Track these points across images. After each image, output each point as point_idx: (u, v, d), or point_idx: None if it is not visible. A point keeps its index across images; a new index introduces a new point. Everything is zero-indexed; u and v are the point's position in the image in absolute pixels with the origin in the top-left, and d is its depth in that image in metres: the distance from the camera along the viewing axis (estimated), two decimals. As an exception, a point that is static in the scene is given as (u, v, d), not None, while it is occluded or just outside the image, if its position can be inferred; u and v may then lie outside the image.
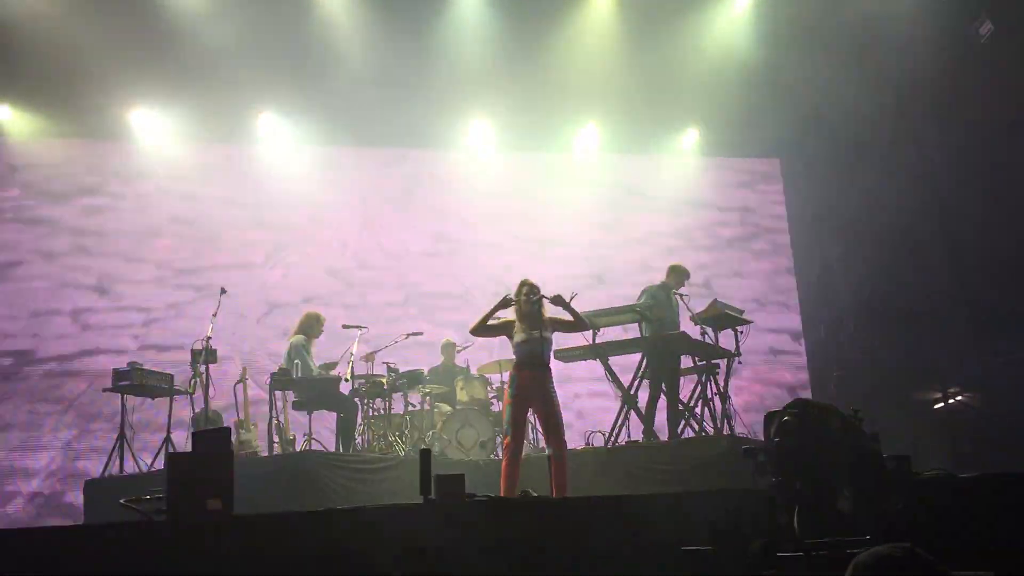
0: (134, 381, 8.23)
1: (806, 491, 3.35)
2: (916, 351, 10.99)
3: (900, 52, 10.33)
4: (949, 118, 10.40)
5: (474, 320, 6.63)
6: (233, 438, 7.10)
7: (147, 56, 10.30)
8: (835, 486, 3.35)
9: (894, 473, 3.67)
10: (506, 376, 8.58)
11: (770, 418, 3.83)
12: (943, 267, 10.81)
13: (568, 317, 6.61)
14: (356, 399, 8.55)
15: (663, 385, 8.14)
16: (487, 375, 9.20)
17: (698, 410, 8.10)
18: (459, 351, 9.69)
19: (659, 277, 8.68)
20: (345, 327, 8.91)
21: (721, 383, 8.15)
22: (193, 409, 8.51)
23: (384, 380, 8.68)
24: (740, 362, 8.39)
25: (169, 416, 8.41)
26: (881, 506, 3.35)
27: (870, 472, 3.38)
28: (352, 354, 8.67)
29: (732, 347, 8.28)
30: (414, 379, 8.85)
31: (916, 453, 4.77)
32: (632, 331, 8.78)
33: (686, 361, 8.36)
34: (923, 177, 10.88)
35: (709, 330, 8.20)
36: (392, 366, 8.84)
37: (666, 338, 8.07)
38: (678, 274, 8.61)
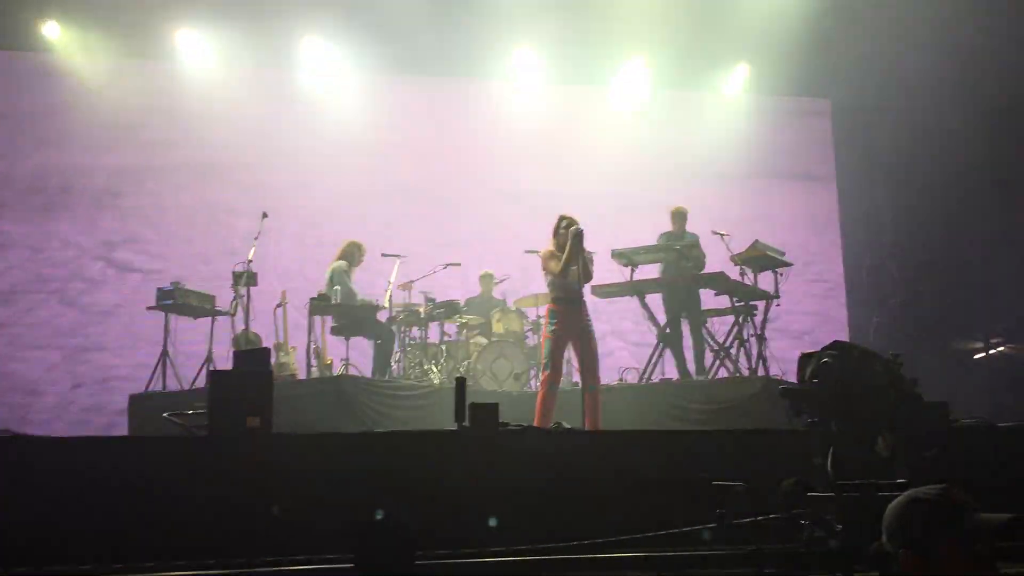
0: (177, 300, 8.39)
1: (843, 433, 3.34)
2: (959, 300, 10.84)
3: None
4: (1009, 60, 10.03)
5: (556, 264, 6.49)
6: (272, 360, 7.22)
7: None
8: (873, 429, 3.34)
9: (933, 419, 3.64)
10: (542, 310, 8.63)
11: (806, 359, 3.79)
12: (993, 216, 10.57)
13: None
14: (393, 327, 8.64)
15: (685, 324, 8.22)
16: (523, 308, 9.23)
17: (733, 351, 8.09)
18: (496, 283, 9.72)
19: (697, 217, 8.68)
20: (384, 255, 8.97)
21: (758, 325, 8.12)
22: (234, 330, 8.65)
23: (421, 309, 8.75)
24: (778, 304, 8.32)
25: (211, 336, 8.56)
26: (918, 451, 3.34)
27: (909, 417, 3.35)
28: (390, 282, 8.75)
29: (772, 288, 8.22)
30: (451, 309, 8.90)
31: (954, 402, 4.74)
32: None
33: (723, 301, 8.32)
34: (977, 122, 10.56)
35: (748, 271, 8.14)
36: (429, 295, 8.90)
37: (690, 278, 8.15)
38: (678, 216, 8.72)
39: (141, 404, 7.93)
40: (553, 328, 6.49)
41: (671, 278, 8.30)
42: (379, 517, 3.35)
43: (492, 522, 3.87)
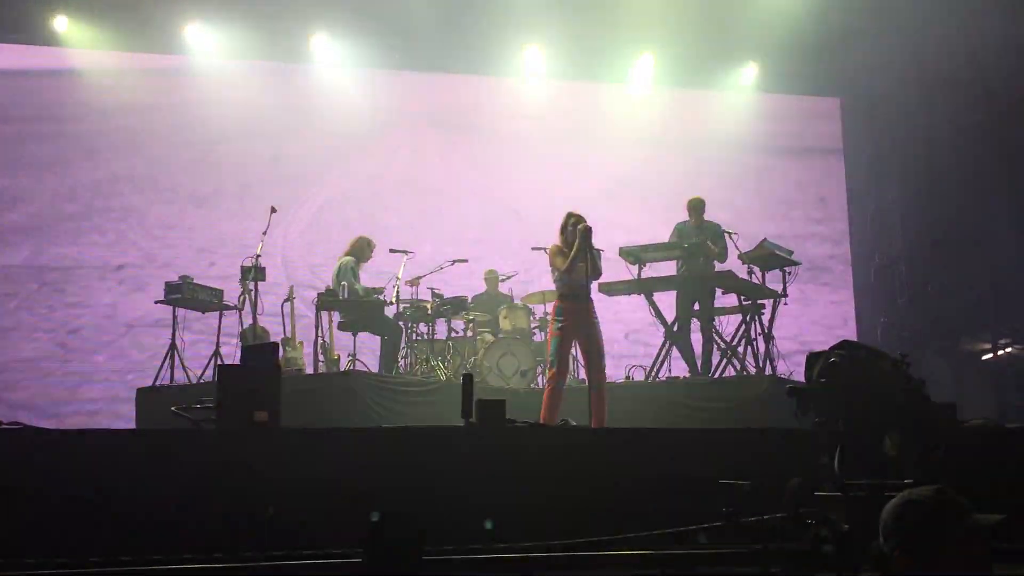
0: (185, 295, 8.41)
1: (850, 432, 3.33)
2: (967, 300, 10.80)
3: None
4: (1019, 58, 9.98)
5: (563, 261, 6.47)
6: (280, 355, 7.24)
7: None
8: (880, 429, 3.33)
9: (940, 419, 3.63)
10: (549, 307, 8.63)
11: (813, 359, 3.79)
12: (1002, 216, 10.52)
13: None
14: (400, 323, 8.65)
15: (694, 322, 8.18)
16: (530, 305, 9.23)
17: (741, 349, 8.07)
18: (502, 280, 9.73)
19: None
20: (392, 251, 8.98)
21: (766, 324, 8.10)
22: (241, 325, 8.67)
23: (428, 305, 8.76)
24: (786, 303, 8.29)
25: (218, 330, 8.58)
26: (925, 451, 3.33)
27: (917, 417, 3.35)
28: (398, 278, 8.76)
29: (779, 288, 8.20)
30: (458, 305, 8.90)
31: (962, 402, 4.72)
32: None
33: (731, 300, 8.30)
34: (987, 122, 10.52)
35: (756, 269, 8.13)
36: (437, 291, 8.90)
37: (701, 276, 8.10)
38: (695, 208, 8.54)
39: (148, 398, 7.95)
40: (560, 325, 6.48)
41: (681, 275, 8.26)
42: (386, 513, 3.36)
43: (488, 525, 3.87)
